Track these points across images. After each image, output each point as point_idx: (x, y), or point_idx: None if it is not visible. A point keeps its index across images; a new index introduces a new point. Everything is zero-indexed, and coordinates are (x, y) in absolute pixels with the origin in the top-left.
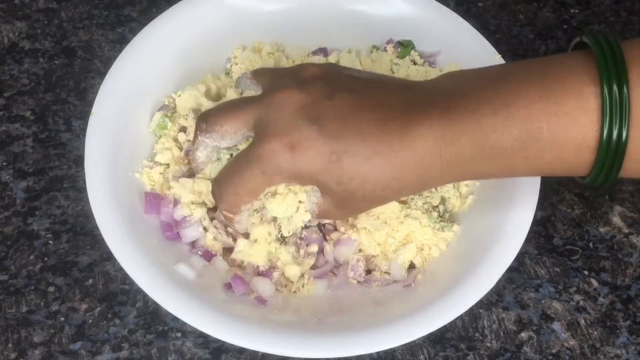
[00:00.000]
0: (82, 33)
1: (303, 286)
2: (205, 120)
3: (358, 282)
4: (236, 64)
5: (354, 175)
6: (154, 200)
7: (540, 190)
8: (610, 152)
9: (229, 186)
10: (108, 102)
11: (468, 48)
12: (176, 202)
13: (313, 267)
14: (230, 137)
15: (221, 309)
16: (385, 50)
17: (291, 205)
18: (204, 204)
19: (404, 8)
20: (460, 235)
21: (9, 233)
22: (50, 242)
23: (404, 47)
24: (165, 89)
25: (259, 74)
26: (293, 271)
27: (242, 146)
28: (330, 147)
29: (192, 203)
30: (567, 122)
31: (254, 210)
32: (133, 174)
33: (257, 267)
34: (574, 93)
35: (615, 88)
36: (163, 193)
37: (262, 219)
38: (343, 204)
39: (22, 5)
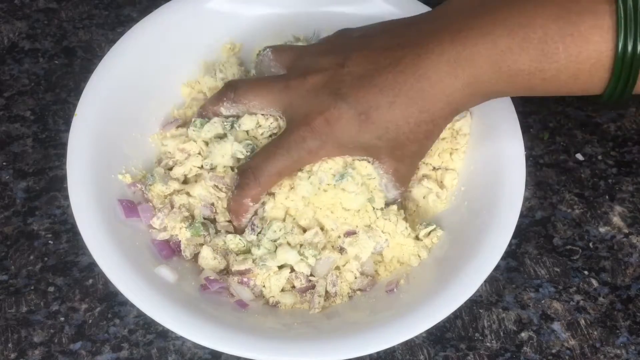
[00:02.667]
0: (82, 33)
1: (278, 302)
2: (234, 90)
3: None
4: (221, 71)
5: (386, 124)
6: (130, 205)
7: (539, 191)
8: (626, 65)
9: (271, 168)
10: (92, 103)
11: None
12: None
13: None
14: (255, 111)
15: (203, 314)
16: None
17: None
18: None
19: (386, 8)
20: (443, 239)
21: (9, 233)
22: (50, 242)
23: None
24: (150, 90)
25: (280, 53)
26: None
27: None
28: (356, 110)
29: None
30: (582, 42)
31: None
32: (116, 175)
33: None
34: (589, 12)
35: (630, 1)
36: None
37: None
38: (398, 154)
39: (22, 5)
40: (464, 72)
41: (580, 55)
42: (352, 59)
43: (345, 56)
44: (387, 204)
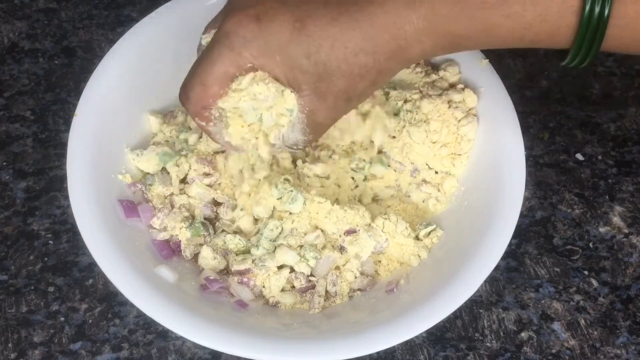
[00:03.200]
0: (82, 33)
1: (278, 302)
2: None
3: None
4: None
5: (320, 40)
6: (130, 206)
7: (539, 191)
8: (592, 26)
9: (195, 78)
10: (92, 103)
11: None
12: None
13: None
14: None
15: (203, 314)
16: None
17: (264, 93)
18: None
19: None
20: (443, 239)
21: (9, 233)
22: (50, 242)
23: None
24: (150, 89)
25: (214, 20)
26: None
27: None
28: (294, 14)
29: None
30: None
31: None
32: (116, 175)
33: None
34: None
35: None
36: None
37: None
38: (323, 88)
39: (22, 5)
40: (422, 5)
41: None
42: None
43: None
44: (286, 147)
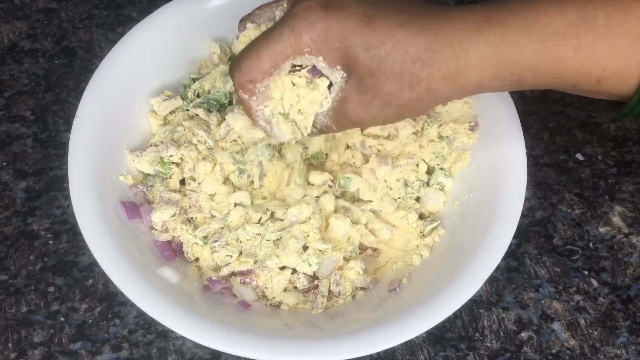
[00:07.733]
0: (82, 33)
1: (281, 302)
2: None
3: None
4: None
5: (385, 38)
6: (132, 207)
7: (539, 191)
8: None
9: (251, 50)
10: (92, 104)
11: None
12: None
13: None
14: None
15: (205, 314)
16: None
17: (307, 96)
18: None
19: None
20: (445, 238)
21: (9, 233)
22: (50, 242)
23: None
24: (150, 90)
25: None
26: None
27: None
28: (364, 10)
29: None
30: (624, 14)
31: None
32: (117, 176)
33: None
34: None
35: None
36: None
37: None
38: (368, 84)
39: (22, 5)
40: (491, 31)
41: (621, 27)
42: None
43: None
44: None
